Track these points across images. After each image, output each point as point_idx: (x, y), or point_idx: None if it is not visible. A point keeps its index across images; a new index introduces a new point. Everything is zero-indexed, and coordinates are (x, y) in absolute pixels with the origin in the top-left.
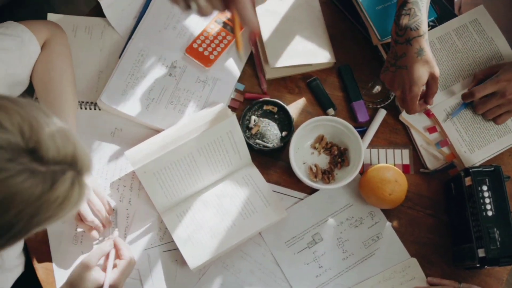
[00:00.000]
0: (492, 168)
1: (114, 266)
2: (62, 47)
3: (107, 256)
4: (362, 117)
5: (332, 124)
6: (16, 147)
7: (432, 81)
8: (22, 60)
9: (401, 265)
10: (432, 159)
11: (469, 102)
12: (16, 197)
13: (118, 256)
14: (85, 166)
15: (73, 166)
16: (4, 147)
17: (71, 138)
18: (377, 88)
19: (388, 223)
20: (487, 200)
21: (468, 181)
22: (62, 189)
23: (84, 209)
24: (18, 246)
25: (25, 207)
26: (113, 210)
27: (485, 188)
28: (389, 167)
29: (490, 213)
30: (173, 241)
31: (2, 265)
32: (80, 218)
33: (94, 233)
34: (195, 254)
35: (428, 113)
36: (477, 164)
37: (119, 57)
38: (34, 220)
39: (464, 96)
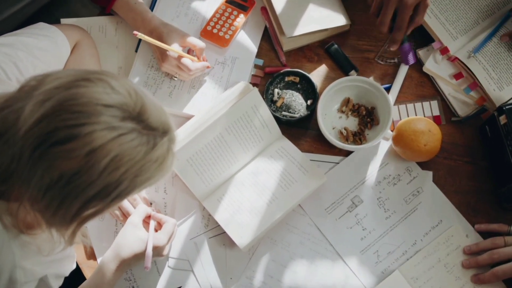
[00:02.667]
0: None
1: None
2: (93, 49)
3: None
4: (411, 59)
5: (356, 85)
6: (127, 108)
7: (422, 6)
8: (55, 61)
9: (444, 235)
10: (463, 105)
11: (491, 37)
12: (125, 154)
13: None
14: (175, 136)
15: (168, 134)
16: (117, 106)
17: (165, 110)
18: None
19: (428, 176)
20: None
21: (503, 119)
22: (161, 151)
23: (126, 205)
24: None
25: (132, 166)
26: (151, 203)
27: None
28: (420, 118)
29: None
30: (218, 226)
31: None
32: (123, 215)
33: None
34: (243, 234)
35: (451, 59)
36: (510, 102)
37: (136, 51)
38: (137, 179)
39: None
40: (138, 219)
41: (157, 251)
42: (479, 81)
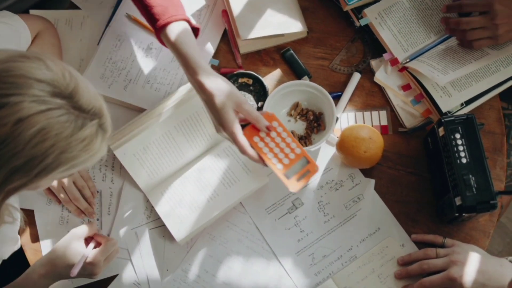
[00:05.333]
0: (465, 117)
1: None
2: (54, 39)
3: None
4: None
5: (306, 90)
6: (58, 86)
7: None
8: (12, 48)
9: (379, 246)
10: (410, 117)
11: (433, 47)
12: (53, 128)
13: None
14: (107, 123)
15: (99, 118)
16: (49, 82)
17: (100, 97)
18: (353, 52)
19: (370, 184)
20: (461, 148)
21: (441, 131)
22: (89, 132)
23: (71, 188)
24: (18, 221)
25: (58, 141)
26: (98, 192)
27: (458, 136)
28: (363, 126)
29: (464, 161)
30: (159, 218)
31: (1, 237)
32: (69, 198)
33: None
34: (181, 227)
35: (400, 69)
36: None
37: (98, 44)
38: (62, 156)
39: (448, 22)
40: (82, 233)
41: (91, 268)
42: (426, 89)
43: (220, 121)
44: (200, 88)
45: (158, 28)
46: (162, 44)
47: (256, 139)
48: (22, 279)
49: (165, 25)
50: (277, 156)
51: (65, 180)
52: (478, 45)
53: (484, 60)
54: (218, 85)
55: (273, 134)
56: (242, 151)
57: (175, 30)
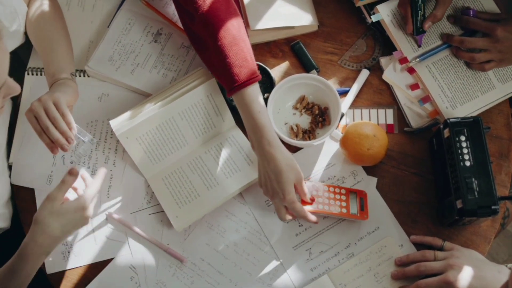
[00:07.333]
0: (471, 119)
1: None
2: (52, 2)
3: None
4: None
5: (312, 83)
6: None
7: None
8: (5, 13)
9: (377, 245)
10: (416, 117)
11: (443, 49)
12: None
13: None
14: None
15: None
16: None
17: None
18: (363, 48)
19: (372, 182)
20: (465, 151)
21: (446, 132)
22: None
23: (41, 116)
24: (4, 193)
25: None
26: (76, 127)
27: (463, 138)
28: (368, 123)
29: (468, 164)
30: (159, 204)
31: None
32: (41, 128)
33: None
34: (180, 214)
35: (410, 70)
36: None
37: (108, 27)
38: None
39: (452, 40)
40: (57, 194)
41: (81, 214)
42: (432, 97)
43: (283, 192)
44: (271, 159)
45: (233, 90)
46: (229, 96)
47: (314, 205)
48: (16, 257)
49: (242, 88)
50: (338, 207)
51: (36, 108)
52: (488, 67)
53: (491, 94)
54: (287, 161)
55: (320, 193)
56: (302, 216)
57: (251, 95)
